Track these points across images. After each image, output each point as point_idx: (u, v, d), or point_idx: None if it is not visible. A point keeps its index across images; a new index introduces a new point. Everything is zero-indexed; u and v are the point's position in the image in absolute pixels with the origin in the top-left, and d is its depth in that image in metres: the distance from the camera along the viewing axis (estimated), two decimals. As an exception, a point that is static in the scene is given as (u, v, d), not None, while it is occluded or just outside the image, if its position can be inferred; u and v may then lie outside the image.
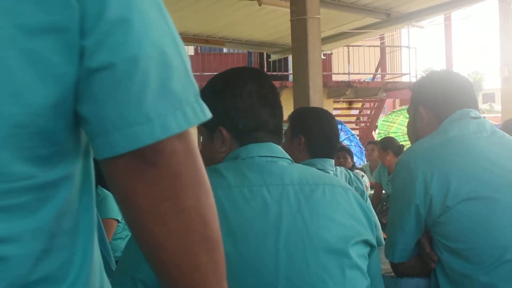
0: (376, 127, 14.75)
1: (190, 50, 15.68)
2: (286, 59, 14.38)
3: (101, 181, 4.39)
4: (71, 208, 0.90)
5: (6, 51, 0.75)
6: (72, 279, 0.89)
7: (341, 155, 6.13)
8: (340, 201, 1.57)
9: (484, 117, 2.24)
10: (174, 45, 0.89)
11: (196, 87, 0.92)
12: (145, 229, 0.89)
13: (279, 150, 1.61)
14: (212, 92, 1.63)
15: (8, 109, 0.76)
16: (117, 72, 0.82)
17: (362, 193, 3.01)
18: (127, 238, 4.17)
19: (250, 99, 1.59)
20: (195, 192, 0.90)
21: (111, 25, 0.81)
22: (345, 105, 18.08)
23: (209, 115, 0.92)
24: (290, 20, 6.10)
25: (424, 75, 2.45)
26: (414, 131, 2.32)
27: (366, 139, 13.41)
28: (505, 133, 2.20)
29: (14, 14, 0.75)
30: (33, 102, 0.78)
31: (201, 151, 1.73)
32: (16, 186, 0.79)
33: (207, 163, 1.66)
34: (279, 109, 1.66)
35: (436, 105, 2.21)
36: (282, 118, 1.68)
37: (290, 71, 13.61)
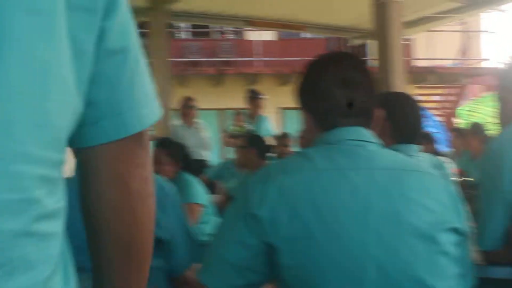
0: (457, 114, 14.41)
1: (274, 35, 15.65)
2: (363, 45, 14.20)
3: (185, 166, 4.41)
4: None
5: (61, 18, 0.76)
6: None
7: (423, 141, 6.03)
8: (429, 188, 1.54)
9: None
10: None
11: None
12: (130, 209, 0.94)
13: (367, 134, 1.60)
14: (300, 77, 1.67)
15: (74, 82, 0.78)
16: (130, 55, 0.89)
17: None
18: (211, 222, 4.22)
19: (326, 82, 1.60)
20: (152, 177, 0.99)
21: (122, 13, 0.87)
22: (427, 91, 17.74)
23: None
24: (371, 5, 6.02)
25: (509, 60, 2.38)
26: (504, 116, 2.27)
27: (448, 126, 13.13)
28: None
29: None
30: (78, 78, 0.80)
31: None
32: (63, 160, 0.80)
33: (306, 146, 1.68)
34: (364, 90, 1.62)
35: None
36: (371, 100, 1.65)
37: (368, 56, 13.45)
